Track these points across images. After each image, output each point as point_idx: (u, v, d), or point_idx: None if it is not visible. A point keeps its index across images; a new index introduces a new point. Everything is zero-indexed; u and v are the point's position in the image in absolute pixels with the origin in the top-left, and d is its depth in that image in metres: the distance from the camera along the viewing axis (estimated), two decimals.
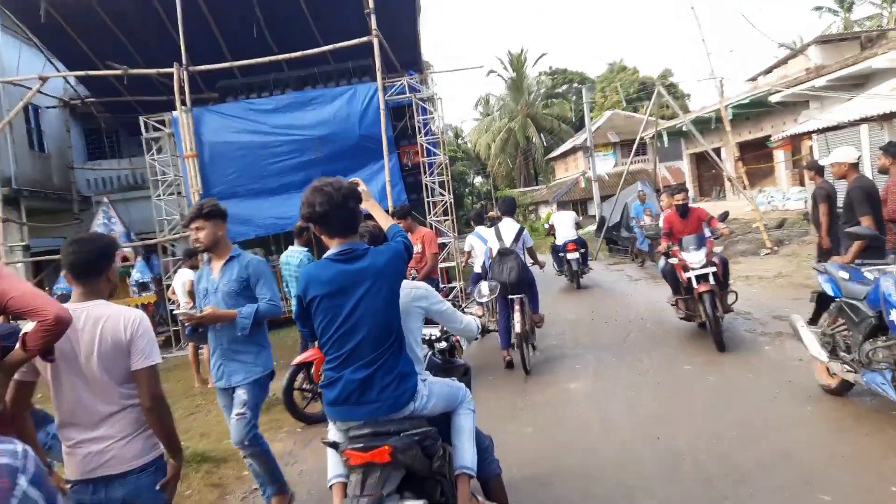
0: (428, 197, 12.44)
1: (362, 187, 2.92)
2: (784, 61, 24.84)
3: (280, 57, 12.14)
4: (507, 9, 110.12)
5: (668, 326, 8.25)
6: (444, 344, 3.59)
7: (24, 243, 13.25)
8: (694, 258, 7.08)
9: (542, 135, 48.45)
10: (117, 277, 2.74)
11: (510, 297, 6.78)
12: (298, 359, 6.05)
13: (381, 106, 11.77)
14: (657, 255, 14.33)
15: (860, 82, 15.06)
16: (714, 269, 6.99)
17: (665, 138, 26.50)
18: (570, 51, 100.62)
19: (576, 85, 57.54)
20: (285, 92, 12.92)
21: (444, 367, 3.30)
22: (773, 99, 17.99)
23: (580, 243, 13.12)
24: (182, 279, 8.97)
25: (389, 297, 2.66)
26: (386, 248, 2.74)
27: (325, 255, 2.72)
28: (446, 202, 12.50)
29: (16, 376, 2.49)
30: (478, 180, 69.68)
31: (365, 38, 11.84)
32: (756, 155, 20.66)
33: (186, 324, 4.50)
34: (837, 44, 23.30)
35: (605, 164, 37.28)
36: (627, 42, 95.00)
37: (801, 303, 8.31)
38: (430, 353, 3.37)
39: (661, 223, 15.01)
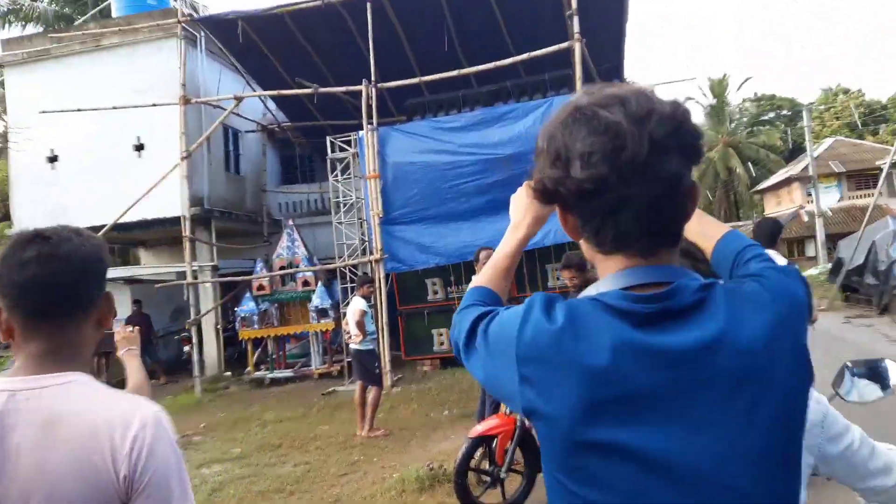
0: None
1: None
2: None
3: (470, 70, 11.13)
4: (707, 31, 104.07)
5: None
6: None
7: (212, 264, 13.36)
8: None
9: (747, 165, 43.87)
10: (110, 321, 1.30)
11: None
12: (478, 430, 4.58)
13: None
14: None
15: None
16: None
17: None
18: (778, 75, 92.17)
19: (785, 112, 52.07)
20: (475, 109, 11.82)
21: None
22: None
23: None
24: (353, 308, 8.00)
25: (785, 435, 0.94)
26: (765, 291, 0.98)
27: (588, 293, 1.02)
28: None
29: None
30: None
31: (566, 44, 10.46)
32: None
33: None
34: None
35: (828, 197, 32.45)
36: (846, 64, 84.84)
37: None
38: None
39: None
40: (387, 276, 11.34)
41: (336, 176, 12.24)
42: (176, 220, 12.34)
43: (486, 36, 12.00)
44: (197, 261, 12.51)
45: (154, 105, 12.18)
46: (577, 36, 10.24)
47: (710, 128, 48.61)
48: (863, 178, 33.54)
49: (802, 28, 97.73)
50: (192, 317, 12.06)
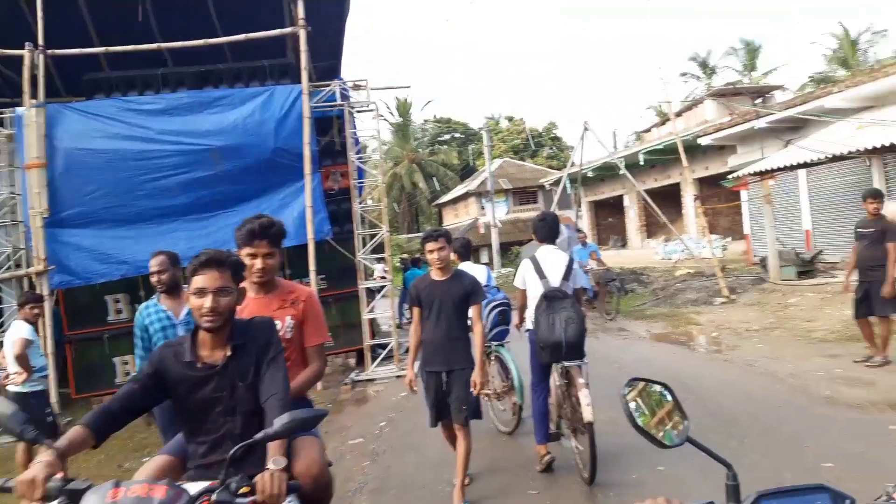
0: (358, 229, 9.99)
1: None
2: (678, 114, 24.90)
3: (172, 45, 9.42)
4: (384, 52, 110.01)
5: (721, 401, 6.37)
6: None
7: None
8: None
9: (430, 181, 47.17)
10: None
11: (564, 364, 4.57)
12: None
13: (306, 112, 9.32)
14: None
15: (798, 125, 14.63)
16: None
17: (568, 185, 25.92)
18: (451, 100, 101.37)
19: (458, 135, 57.42)
20: (177, 91, 10.04)
21: None
22: (704, 141, 17.64)
23: None
24: (12, 337, 5.93)
25: None
26: None
27: None
28: (381, 235, 10.10)
29: None
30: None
31: (289, 30, 9.49)
32: (715, 194, 19.81)
33: None
34: (730, 97, 23.86)
35: (498, 210, 36.33)
36: (509, 94, 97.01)
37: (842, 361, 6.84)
38: None
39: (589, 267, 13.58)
40: (51, 292, 8.99)
41: None
42: None
43: (190, 12, 10.33)
44: None
45: None
46: (301, 21, 9.33)
47: (396, 144, 51.31)
48: (525, 194, 38.38)
49: (468, 60, 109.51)
50: None
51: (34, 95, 8.75)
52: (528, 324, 4.84)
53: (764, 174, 13.51)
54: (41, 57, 8.74)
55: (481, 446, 5.73)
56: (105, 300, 10.05)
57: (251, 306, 2.90)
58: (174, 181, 9.33)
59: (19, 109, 8.95)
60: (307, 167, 9.19)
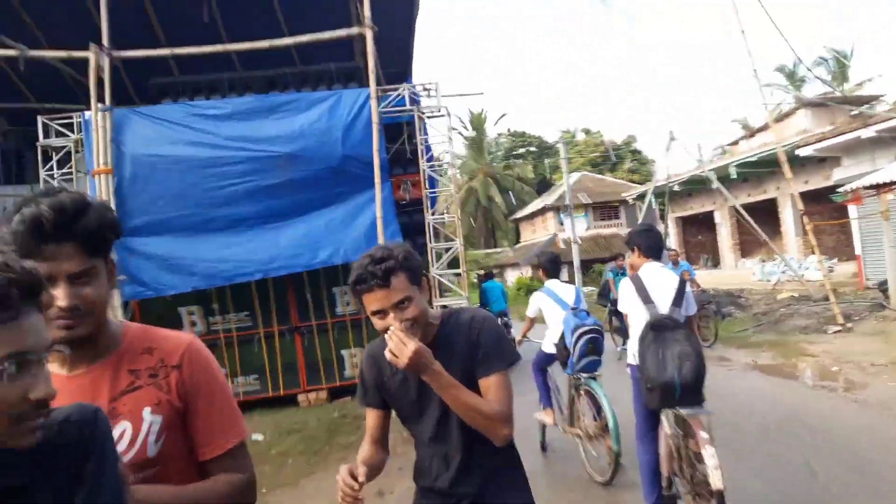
0: (431, 243, 9.27)
1: None
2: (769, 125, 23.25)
3: (239, 46, 9.03)
4: (461, 64, 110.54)
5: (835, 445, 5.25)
6: None
7: None
8: None
9: (507, 195, 46.36)
10: None
11: (682, 411, 3.65)
12: None
13: (375, 118, 8.71)
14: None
15: None
16: None
17: (653, 200, 24.53)
18: (525, 114, 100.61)
19: (533, 148, 56.44)
20: (244, 96, 9.70)
21: None
22: (803, 152, 16.08)
23: None
24: None
25: None
26: None
27: None
28: (454, 249, 9.34)
29: None
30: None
31: (355, 30, 8.94)
32: (817, 210, 18.00)
33: None
34: (827, 108, 21.96)
35: (578, 226, 35.04)
36: (585, 106, 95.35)
37: None
38: None
39: None
40: (125, 303, 8.73)
41: (51, 169, 9.19)
42: None
43: (256, 13, 10.02)
44: None
45: None
46: (367, 21, 8.76)
47: (470, 158, 50.87)
48: (606, 209, 36.93)
49: (546, 73, 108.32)
50: None
51: (101, 99, 8.52)
52: (631, 358, 3.95)
53: (881, 187, 11.99)
54: (107, 59, 8.50)
55: (575, 498, 4.89)
56: (179, 312, 9.81)
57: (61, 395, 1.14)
58: (243, 189, 8.91)
59: (87, 113, 8.75)
60: (377, 176, 8.57)
